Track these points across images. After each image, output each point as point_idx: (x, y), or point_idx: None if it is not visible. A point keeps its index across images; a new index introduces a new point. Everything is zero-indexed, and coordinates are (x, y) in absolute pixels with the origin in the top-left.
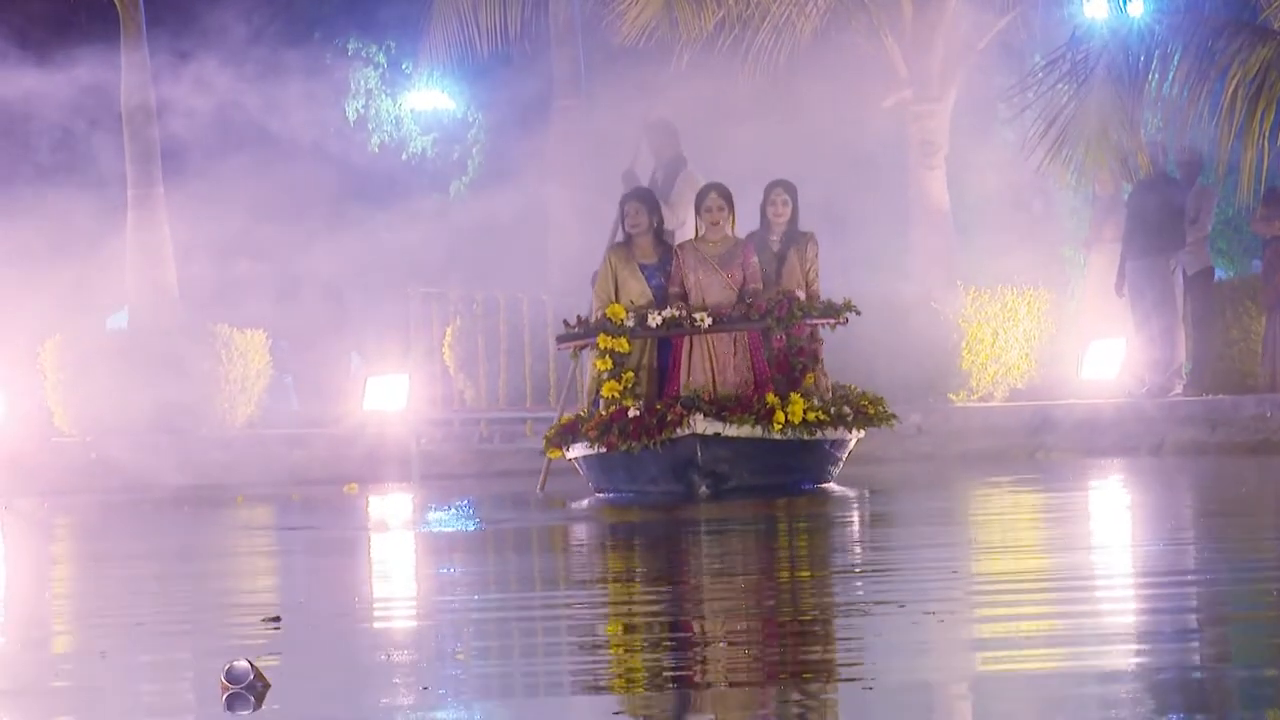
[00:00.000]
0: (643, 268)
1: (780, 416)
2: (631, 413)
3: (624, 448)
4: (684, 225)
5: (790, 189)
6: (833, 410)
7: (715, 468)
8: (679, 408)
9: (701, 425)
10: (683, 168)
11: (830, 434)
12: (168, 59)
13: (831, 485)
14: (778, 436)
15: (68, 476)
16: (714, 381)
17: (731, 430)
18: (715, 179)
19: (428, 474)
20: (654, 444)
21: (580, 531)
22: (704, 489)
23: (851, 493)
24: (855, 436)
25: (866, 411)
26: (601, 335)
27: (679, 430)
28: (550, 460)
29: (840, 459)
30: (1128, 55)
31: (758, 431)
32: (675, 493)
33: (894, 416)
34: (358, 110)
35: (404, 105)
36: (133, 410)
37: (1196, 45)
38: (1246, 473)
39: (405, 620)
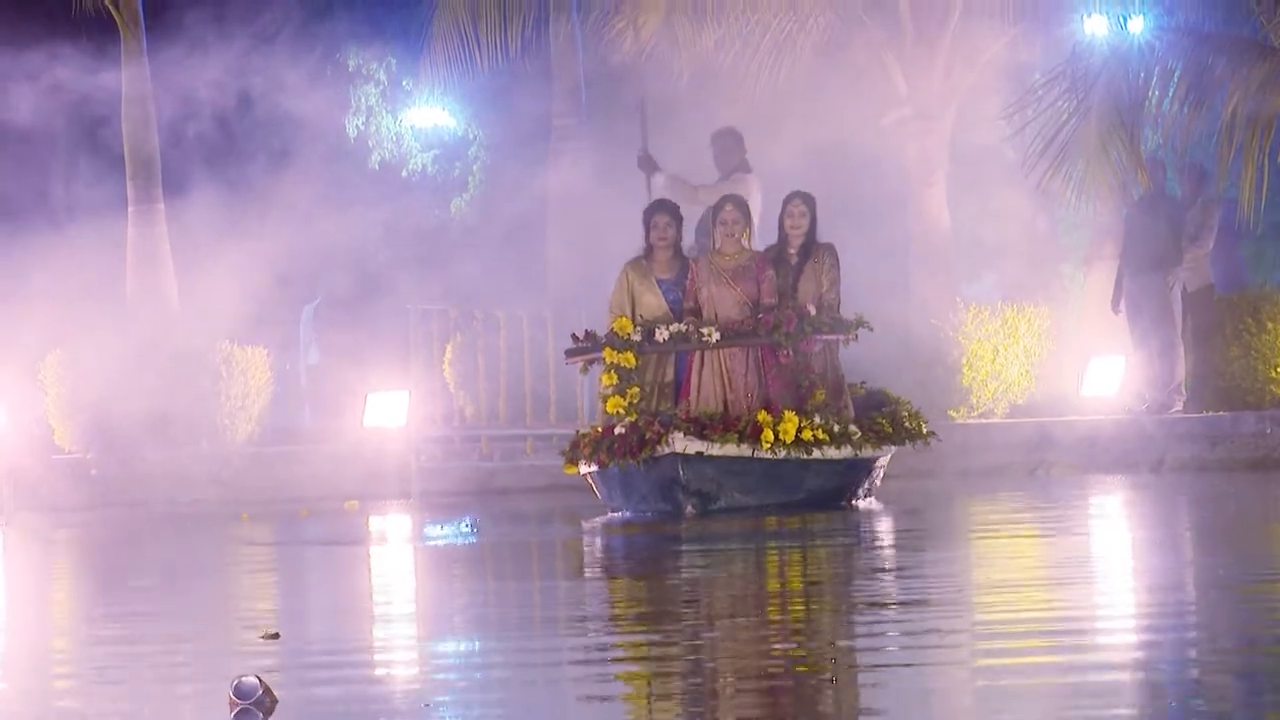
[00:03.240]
0: (660, 282)
1: (768, 435)
2: (618, 430)
3: (611, 465)
4: None
5: (808, 200)
6: (836, 429)
7: (701, 487)
8: (657, 425)
9: (681, 444)
10: (742, 174)
11: (833, 453)
12: (168, 75)
13: (854, 504)
14: (768, 455)
15: (68, 493)
16: (724, 399)
17: (715, 449)
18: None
19: (427, 491)
20: (638, 462)
21: (568, 552)
22: (690, 508)
23: (844, 512)
24: (883, 454)
25: (881, 430)
26: (607, 349)
27: (660, 449)
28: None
29: (863, 480)
30: (1127, 72)
31: (744, 450)
32: (665, 511)
33: (928, 435)
34: (358, 127)
35: (404, 122)
36: (133, 426)
37: (1197, 62)
38: (1246, 491)
39: (405, 638)
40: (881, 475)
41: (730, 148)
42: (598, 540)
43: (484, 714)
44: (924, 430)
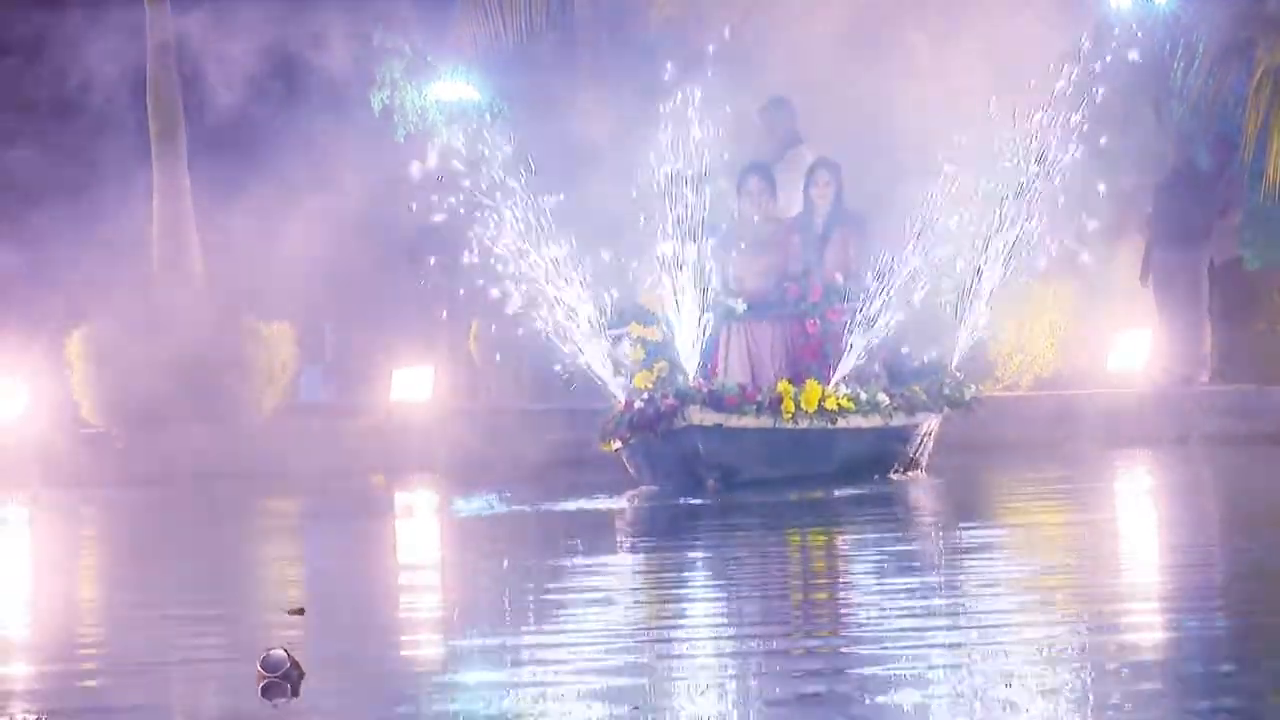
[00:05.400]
0: None
1: (789, 405)
2: (636, 405)
3: (634, 440)
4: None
5: (833, 168)
6: (863, 396)
7: (722, 460)
8: (671, 399)
9: (698, 417)
10: (795, 146)
11: (860, 422)
12: (193, 47)
13: (895, 477)
14: (790, 426)
15: (94, 467)
16: (752, 370)
17: (734, 421)
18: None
19: (453, 465)
20: (655, 436)
21: (583, 524)
22: (712, 482)
23: (865, 487)
24: (919, 422)
25: (915, 397)
26: (634, 324)
27: (678, 422)
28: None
29: (900, 450)
30: (1153, 43)
31: (765, 422)
32: (687, 486)
33: (970, 402)
34: (383, 101)
35: (429, 96)
36: (159, 401)
37: (1222, 33)
38: (1274, 466)
39: (430, 609)
40: (929, 447)
41: (782, 119)
42: (621, 515)
43: (503, 691)
44: (966, 397)
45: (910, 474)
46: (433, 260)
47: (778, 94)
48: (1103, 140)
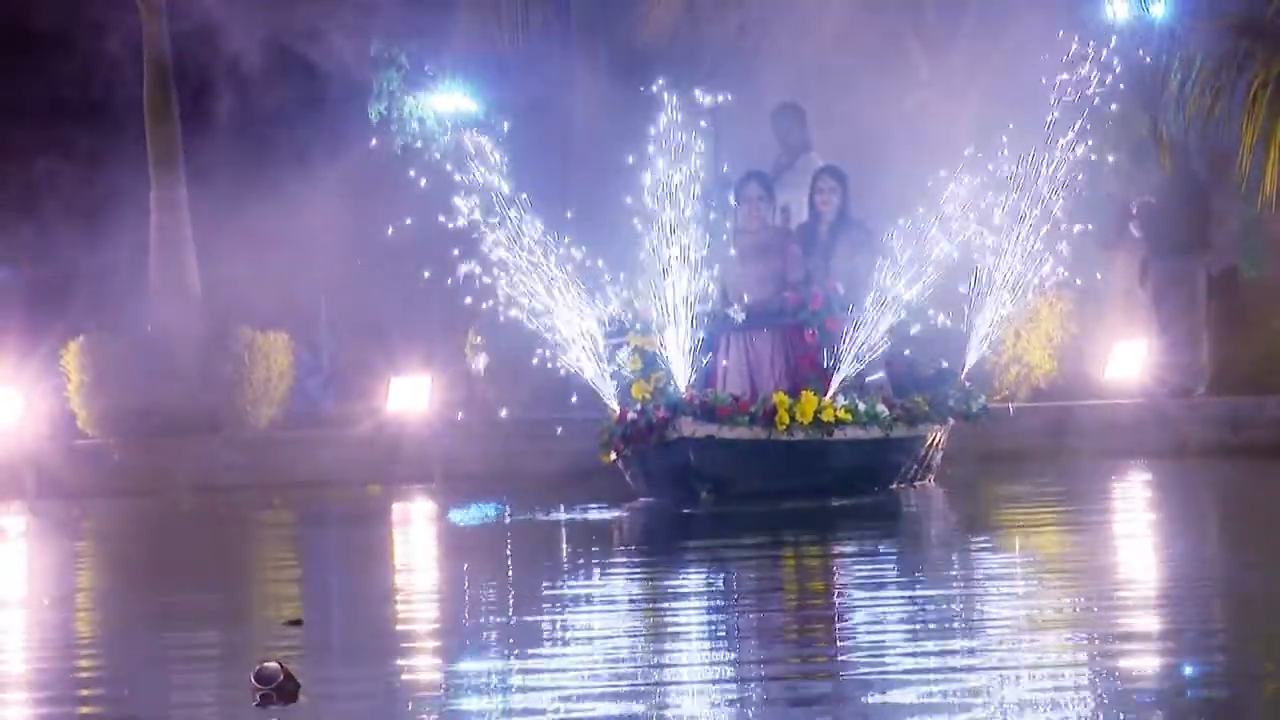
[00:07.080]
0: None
1: (783, 417)
2: (629, 416)
3: (628, 452)
4: (788, 209)
5: (839, 176)
6: (862, 408)
7: (714, 472)
8: (663, 411)
9: (689, 428)
10: (805, 153)
11: (858, 434)
12: (189, 61)
13: (900, 488)
14: (785, 438)
15: (91, 479)
16: (750, 378)
17: (726, 433)
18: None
19: (450, 474)
20: (649, 448)
21: (577, 535)
22: (705, 494)
23: (863, 499)
24: (922, 433)
25: (916, 409)
26: (631, 334)
27: (669, 433)
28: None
29: (903, 461)
30: (1149, 55)
31: (759, 433)
32: (682, 497)
33: (977, 415)
34: (380, 112)
35: (426, 107)
36: (156, 412)
37: (1218, 46)
38: (1271, 480)
39: (427, 620)
40: (937, 459)
41: (792, 125)
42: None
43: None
44: (973, 409)
45: (916, 485)
46: (464, 273)
47: (789, 100)
48: (1096, 133)
